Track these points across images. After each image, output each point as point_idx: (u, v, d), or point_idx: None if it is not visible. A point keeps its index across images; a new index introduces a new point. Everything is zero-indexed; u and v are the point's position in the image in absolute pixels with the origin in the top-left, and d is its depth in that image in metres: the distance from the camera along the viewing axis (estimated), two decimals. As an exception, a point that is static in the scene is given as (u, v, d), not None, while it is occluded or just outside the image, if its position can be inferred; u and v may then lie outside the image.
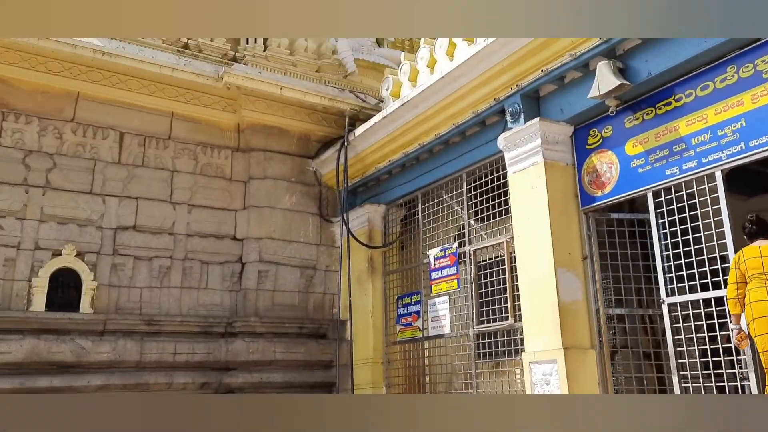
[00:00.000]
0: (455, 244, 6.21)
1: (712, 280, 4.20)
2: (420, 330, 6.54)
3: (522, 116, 5.28)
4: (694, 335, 4.29)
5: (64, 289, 6.42)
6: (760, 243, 3.74)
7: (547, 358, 4.80)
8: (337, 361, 7.14)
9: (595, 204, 5.02)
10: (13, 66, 6.54)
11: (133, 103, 7.16)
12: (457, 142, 6.28)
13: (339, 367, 6.97)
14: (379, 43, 8.86)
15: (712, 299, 4.20)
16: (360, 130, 7.13)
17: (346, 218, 7.19)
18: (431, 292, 6.42)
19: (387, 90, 7.32)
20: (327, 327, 7.51)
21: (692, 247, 4.34)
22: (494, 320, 5.66)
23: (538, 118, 5.13)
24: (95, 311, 6.45)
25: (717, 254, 4.23)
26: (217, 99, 7.61)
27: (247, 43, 8.23)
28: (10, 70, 6.53)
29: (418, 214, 6.91)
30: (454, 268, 6.12)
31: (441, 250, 6.33)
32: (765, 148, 4.00)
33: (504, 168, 5.68)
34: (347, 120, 7.56)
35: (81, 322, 6.28)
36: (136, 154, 7.14)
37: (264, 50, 8.16)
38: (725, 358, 4.17)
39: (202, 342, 6.78)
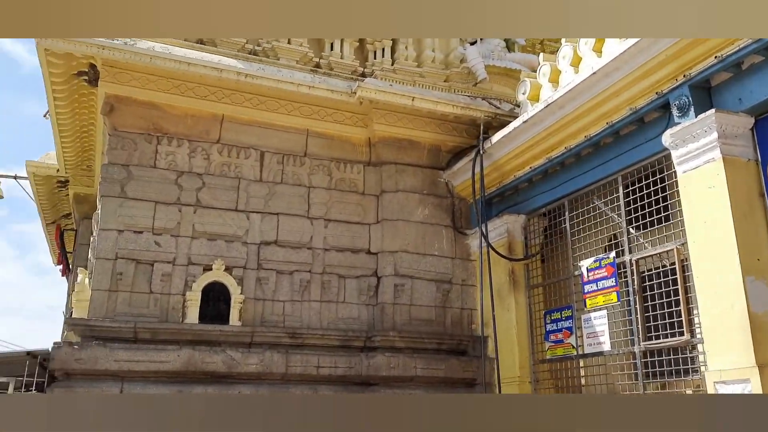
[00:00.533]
0: (612, 254, 5.82)
1: None
2: (573, 347, 6.18)
3: (692, 109, 4.86)
4: None
5: (215, 302, 6.75)
6: None
7: (737, 378, 4.31)
8: (482, 380, 6.93)
9: (788, 203, 4.48)
10: (165, 93, 7.05)
11: (272, 123, 7.48)
12: (610, 143, 5.92)
13: (484, 386, 6.74)
14: (509, 47, 8.67)
15: None
16: (497, 137, 6.96)
17: (484, 230, 7.01)
18: (585, 306, 6.05)
19: (524, 94, 7.11)
20: (467, 343, 7.34)
21: None
22: (664, 336, 5.20)
23: (713, 110, 4.69)
24: (243, 324, 6.71)
25: None
26: (349, 115, 7.77)
27: (375, 58, 8.37)
28: (163, 96, 7.05)
29: (564, 223, 6.58)
30: (612, 279, 5.73)
31: (595, 261, 5.96)
32: None
33: (669, 168, 5.26)
34: (481, 128, 7.42)
35: (231, 334, 6.56)
36: (275, 172, 7.43)
37: (392, 64, 8.26)
38: None
39: (343, 356, 6.85)
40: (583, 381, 6.14)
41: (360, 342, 7.04)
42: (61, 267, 12.06)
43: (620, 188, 5.85)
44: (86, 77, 7.10)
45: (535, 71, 7.67)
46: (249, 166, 7.33)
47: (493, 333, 6.82)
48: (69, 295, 10.45)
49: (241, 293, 6.80)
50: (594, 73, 5.47)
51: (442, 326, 7.40)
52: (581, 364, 6.17)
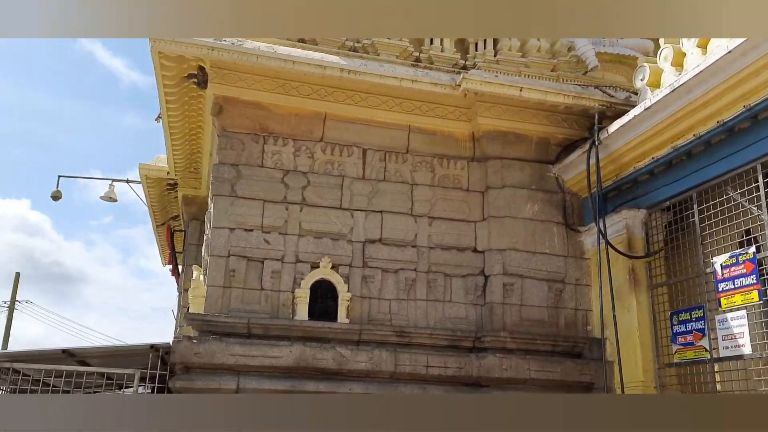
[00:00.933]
0: (752, 249, 5.50)
1: None
2: (706, 350, 5.88)
3: None
4: None
5: (322, 299, 6.98)
6: None
7: None
8: (600, 384, 6.75)
9: None
10: (271, 92, 7.37)
11: (374, 120, 7.64)
12: (746, 128, 5.61)
13: (606, 390, 6.55)
14: (622, 32, 8.39)
15: None
16: (614, 126, 6.76)
17: (602, 227, 6.81)
18: (719, 306, 5.75)
19: (642, 80, 6.88)
20: (582, 346, 7.18)
21: None
22: (818, 338, 4.85)
23: None
24: (350, 321, 6.89)
25: None
26: (452, 109, 7.80)
27: (476, 50, 8.37)
28: (268, 96, 7.37)
29: (692, 217, 6.29)
30: (753, 276, 5.42)
31: (731, 257, 5.66)
32: None
33: (819, 153, 4.91)
34: (596, 117, 7.22)
35: (339, 331, 6.76)
36: (378, 169, 7.59)
37: (494, 55, 8.24)
38: None
39: (453, 356, 6.88)
40: (718, 387, 5.83)
41: (469, 342, 7.05)
42: (170, 267, 12.89)
43: (759, 177, 5.53)
44: (195, 79, 7.54)
45: (648, 56, 7.40)
46: (352, 163, 7.52)
47: (612, 335, 6.62)
48: (180, 293, 11.15)
49: (347, 291, 6.99)
50: (729, 52, 5.21)
51: (555, 327, 7.28)
52: (716, 368, 5.86)
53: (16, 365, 6.32)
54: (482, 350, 6.96)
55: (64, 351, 6.53)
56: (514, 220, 7.55)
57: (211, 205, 7.41)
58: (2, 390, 6.45)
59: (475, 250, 7.54)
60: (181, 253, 11.83)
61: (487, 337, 6.94)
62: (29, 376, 6.61)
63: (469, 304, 7.36)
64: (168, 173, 10.02)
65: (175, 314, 11.50)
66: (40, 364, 6.41)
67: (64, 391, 6.84)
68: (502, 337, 6.93)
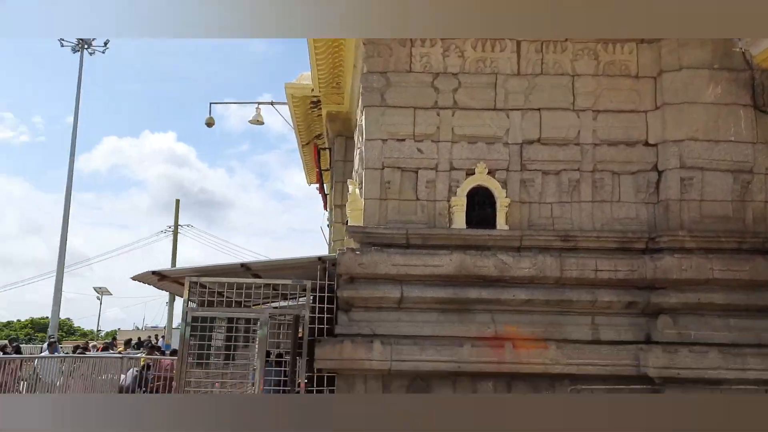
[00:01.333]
0: None
1: None
2: None
3: None
4: None
5: (479, 206, 7.27)
6: None
7: None
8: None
9: None
10: (413, -11, 7.46)
11: (527, 5, 7.48)
12: None
13: (806, 289, 6.31)
14: None
15: None
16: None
17: (802, 102, 6.31)
18: None
19: None
20: (776, 241, 6.88)
21: None
22: None
23: None
24: (510, 227, 7.14)
25: None
26: (615, -16, 7.41)
27: None
28: (411, -6, 7.48)
29: None
30: None
31: None
32: None
33: None
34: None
35: (499, 238, 7.06)
36: (534, 62, 7.53)
37: None
38: None
39: (623, 258, 6.94)
40: None
41: (641, 243, 7.04)
42: (317, 186, 13.85)
43: None
44: (339, -14, 7.82)
45: None
46: (505, 58, 7.52)
47: (815, 228, 6.26)
48: (330, 211, 12.04)
49: (506, 196, 7.20)
50: None
51: (741, 223, 7.05)
52: None
53: (203, 279, 7.40)
54: (657, 251, 6.93)
55: (242, 265, 7.51)
56: (692, 106, 7.21)
57: (361, 117, 7.85)
58: (192, 301, 7.56)
59: (646, 144, 7.36)
60: (327, 170, 12.62)
61: (663, 237, 6.87)
62: (213, 289, 7.71)
63: (640, 203, 7.27)
64: (312, 90, 10.63)
65: (324, 231, 12.43)
66: (222, 277, 7.44)
67: (244, 303, 7.94)
68: (680, 236, 6.84)
